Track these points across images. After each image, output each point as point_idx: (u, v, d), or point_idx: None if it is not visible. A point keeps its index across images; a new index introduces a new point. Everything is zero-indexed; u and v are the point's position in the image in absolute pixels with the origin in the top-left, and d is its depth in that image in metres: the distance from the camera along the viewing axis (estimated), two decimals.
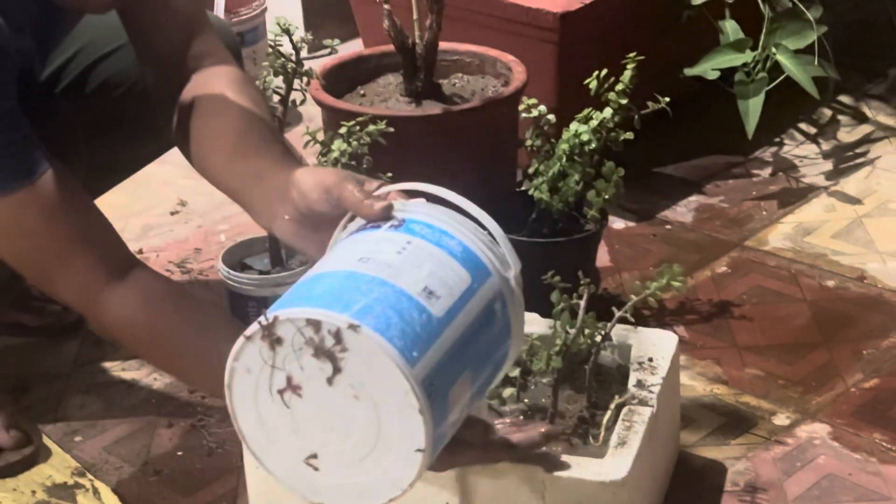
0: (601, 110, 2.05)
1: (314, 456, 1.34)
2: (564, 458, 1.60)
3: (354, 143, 1.78)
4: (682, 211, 2.47)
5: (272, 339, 1.30)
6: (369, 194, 1.40)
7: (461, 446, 1.40)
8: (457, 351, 1.33)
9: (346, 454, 1.32)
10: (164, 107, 1.64)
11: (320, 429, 1.32)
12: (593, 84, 2.05)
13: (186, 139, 1.60)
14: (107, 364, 2.12)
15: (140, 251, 2.42)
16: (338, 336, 1.27)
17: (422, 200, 1.43)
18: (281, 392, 1.31)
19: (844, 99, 2.76)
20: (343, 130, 1.80)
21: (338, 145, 1.77)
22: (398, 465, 1.30)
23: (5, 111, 1.47)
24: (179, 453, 1.92)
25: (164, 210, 2.55)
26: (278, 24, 1.99)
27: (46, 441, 1.94)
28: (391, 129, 1.84)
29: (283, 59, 1.99)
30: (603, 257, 2.31)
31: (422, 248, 1.37)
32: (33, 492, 1.86)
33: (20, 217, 1.49)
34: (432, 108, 2.18)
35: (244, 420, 1.35)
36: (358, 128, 1.80)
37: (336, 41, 2.06)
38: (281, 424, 1.33)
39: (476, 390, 1.38)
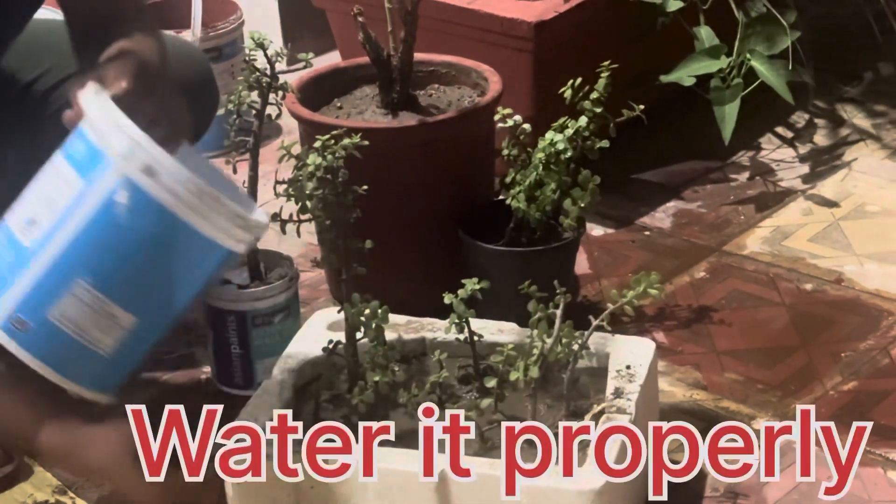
0: (577, 119, 2.05)
1: None
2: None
3: (329, 156, 1.78)
4: (661, 217, 2.47)
5: None
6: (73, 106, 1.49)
7: None
8: (58, 269, 1.45)
9: None
10: None
11: None
12: (568, 93, 2.06)
13: None
14: None
15: None
16: None
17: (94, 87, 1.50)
18: None
19: (820, 102, 2.77)
20: (318, 144, 1.80)
21: (312, 159, 1.77)
22: None
23: None
24: None
25: None
26: (252, 38, 1.99)
27: (27, 459, 1.94)
28: (366, 143, 1.84)
29: (257, 74, 1.99)
30: (582, 264, 2.31)
31: (52, 166, 1.48)
32: None
33: None
34: (408, 119, 2.18)
35: None
36: (333, 141, 1.80)
37: (310, 55, 2.06)
38: None
39: (136, 282, 1.50)
